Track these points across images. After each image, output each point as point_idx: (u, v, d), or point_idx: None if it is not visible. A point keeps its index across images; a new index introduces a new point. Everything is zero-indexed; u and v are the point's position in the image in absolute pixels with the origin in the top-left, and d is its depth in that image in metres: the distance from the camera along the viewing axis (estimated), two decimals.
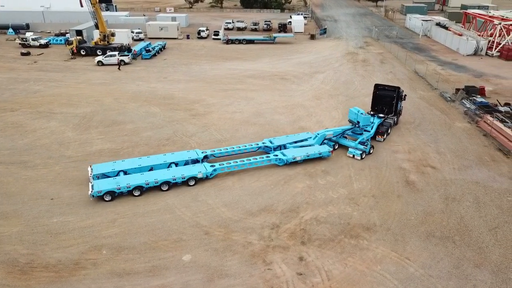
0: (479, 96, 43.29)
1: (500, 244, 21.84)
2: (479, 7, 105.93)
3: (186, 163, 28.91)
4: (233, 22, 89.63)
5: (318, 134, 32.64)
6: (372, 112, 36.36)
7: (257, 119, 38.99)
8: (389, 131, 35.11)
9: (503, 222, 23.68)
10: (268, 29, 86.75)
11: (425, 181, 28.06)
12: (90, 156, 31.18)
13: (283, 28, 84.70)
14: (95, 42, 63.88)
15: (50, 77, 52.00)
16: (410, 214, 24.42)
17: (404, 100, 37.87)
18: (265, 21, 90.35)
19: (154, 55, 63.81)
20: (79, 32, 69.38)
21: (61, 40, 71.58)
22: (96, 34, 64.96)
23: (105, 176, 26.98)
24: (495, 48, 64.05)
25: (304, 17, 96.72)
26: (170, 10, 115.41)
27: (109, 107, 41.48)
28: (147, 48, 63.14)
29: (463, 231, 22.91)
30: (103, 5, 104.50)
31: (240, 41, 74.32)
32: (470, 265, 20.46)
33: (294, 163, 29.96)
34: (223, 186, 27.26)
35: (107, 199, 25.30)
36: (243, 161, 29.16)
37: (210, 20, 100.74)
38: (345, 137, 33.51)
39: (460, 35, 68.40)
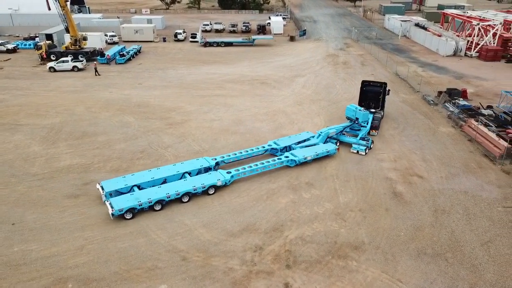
0: (462, 99, 42.75)
1: (494, 261, 20.82)
2: (455, 7, 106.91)
3: (199, 172, 27.89)
4: (211, 24, 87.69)
5: (321, 133, 33.09)
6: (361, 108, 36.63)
7: (237, 127, 37.34)
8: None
9: (495, 235, 22.72)
10: (247, 31, 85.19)
11: (412, 192, 26.96)
12: (57, 173, 28.94)
13: (262, 29, 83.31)
14: (65, 47, 60.95)
15: (17, 85, 49.09)
16: (400, 229, 23.22)
17: (388, 95, 38.66)
18: (243, 23, 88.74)
19: (129, 59, 61.40)
20: (49, 36, 66.25)
21: (30, 45, 68.35)
22: (68, 38, 62.08)
23: (118, 192, 25.22)
24: (474, 49, 64.10)
25: (283, 18, 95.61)
26: (146, 11, 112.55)
27: (80, 117, 39.11)
28: (121, 52, 60.73)
29: (455, 247, 21.82)
30: (76, 7, 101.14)
31: (218, 44, 72.48)
32: (465, 286, 19.33)
33: (300, 164, 29.76)
34: (201, 203, 25.51)
35: (128, 217, 23.72)
36: (257, 165, 28.48)
37: (188, 22, 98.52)
38: (343, 134, 34.22)
39: (439, 35, 68.30)
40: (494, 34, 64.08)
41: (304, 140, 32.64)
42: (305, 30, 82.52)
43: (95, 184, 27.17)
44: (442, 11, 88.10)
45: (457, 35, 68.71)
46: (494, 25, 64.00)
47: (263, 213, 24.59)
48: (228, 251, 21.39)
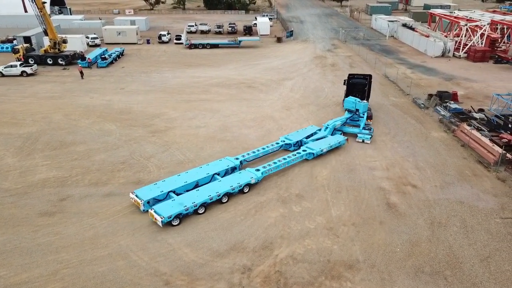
0: (453, 102, 41.97)
1: (495, 278, 19.79)
2: (441, 7, 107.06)
3: (226, 172, 28.06)
4: (196, 25, 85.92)
5: (328, 125, 34.62)
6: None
7: (224, 134, 35.88)
8: None
9: (494, 250, 21.72)
10: (233, 32, 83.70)
11: (407, 203, 25.86)
12: (31, 188, 27.13)
13: (249, 30, 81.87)
14: (44, 50, 58.63)
15: None
16: (395, 245, 22.07)
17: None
18: (229, 24, 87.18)
19: (111, 62, 59.40)
20: (27, 39, 63.87)
21: (7, 48, 65.73)
22: (47, 41, 59.76)
23: (155, 200, 24.53)
24: (462, 49, 63.68)
25: (270, 19, 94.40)
26: (129, 12, 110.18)
27: (58, 126, 37.20)
28: (103, 56, 58.63)
29: (454, 263, 20.74)
30: (56, 8, 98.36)
31: (204, 46, 70.78)
32: None
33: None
34: (185, 219, 23.99)
35: (175, 224, 23.21)
36: (280, 160, 29.15)
37: (172, 23, 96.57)
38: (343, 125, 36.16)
39: (427, 36, 67.75)
40: (482, 35, 63.74)
41: (312, 134, 33.85)
42: (292, 31, 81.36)
43: (72, 199, 25.55)
44: (429, 11, 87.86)
45: (445, 36, 68.25)
46: (482, 25, 63.65)
47: (251, 230, 23.20)
48: (214, 273, 19.95)
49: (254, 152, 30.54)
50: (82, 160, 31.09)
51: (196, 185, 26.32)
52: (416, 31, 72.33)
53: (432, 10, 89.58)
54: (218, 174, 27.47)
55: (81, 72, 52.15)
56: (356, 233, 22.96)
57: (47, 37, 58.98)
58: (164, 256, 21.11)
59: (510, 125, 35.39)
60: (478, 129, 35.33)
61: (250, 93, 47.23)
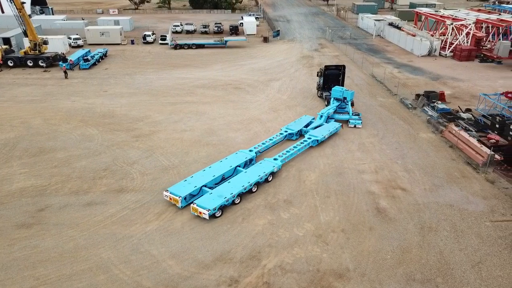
0: (440, 102, 41.80)
1: (486, 285, 19.41)
2: (426, 5, 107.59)
3: (245, 164, 29.18)
4: (181, 25, 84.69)
5: (322, 114, 37.11)
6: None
7: (210, 138, 35.06)
8: None
9: (485, 254, 21.37)
10: (219, 32, 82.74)
11: (396, 207, 25.42)
12: (8, 198, 25.96)
13: (235, 30, 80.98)
14: (24, 52, 56.92)
15: None
16: (386, 251, 21.57)
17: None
18: (215, 23, 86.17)
19: (94, 64, 58.00)
20: (6, 40, 61.94)
21: None
22: (27, 43, 58.06)
23: (191, 195, 25.28)
24: (448, 48, 63.82)
25: (256, 18, 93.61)
26: (113, 12, 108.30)
27: (37, 131, 35.94)
28: (86, 57, 57.17)
29: (445, 270, 20.32)
30: (37, 8, 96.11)
31: (189, 46, 69.70)
32: None
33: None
34: (170, 229, 23.18)
35: (218, 215, 24.10)
36: (292, 149, 31.05)
37: (157, 23, 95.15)
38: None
39: (414, 35, 67.76)
40: (468, 34, 63.95)
41: (309, 123, 36.23)
42: (278, 30, 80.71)
43: (51, 209, 24.57)
44: (415, 10, 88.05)
45: (431, 35, 68.32)
46: (468, 24, 63.86)
47: (238, 238, 22.48)
48: (200, 287, 19.18)
49: (264, 143, 32.16)
50: (62, 167, 29.97)
51: (223, 178, 27.36)
52: (403, 30, 72.36)
53: (417, 9, 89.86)
54: (239, 166, 28.62)
55: (65, 72, 50.74)
56: (345, 240, 22.40)
57: (27, 38, 57.30)
58: (148, 269, 20.26)
59: (497, 125, 35.34)
60: (466, 130, 35.16)
61: (237, 94, 46.46)
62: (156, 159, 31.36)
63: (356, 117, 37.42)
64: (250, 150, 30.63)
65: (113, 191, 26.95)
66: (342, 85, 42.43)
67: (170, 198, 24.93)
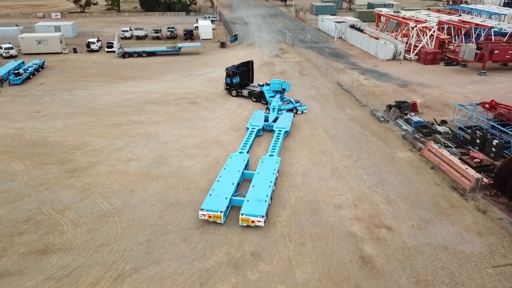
0: (413, 114, 38.71)
1: None
2: (384, 5, 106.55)
3: (246, 165, 29.12)
4: (131, 30, 78.16)
5: (274, 107, 38.98)
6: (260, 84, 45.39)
7: (160, 169, 29.89)
8: None
9: None
10: (173, 37, 77.02)
11: (384, 253, 21.47)
12: None
13: (190, 35, 75.60)
14: None
15: None
16: None
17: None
18: (168, 27, 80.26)
19: (28, 78, 50.86)
20: None
21: None
22: None
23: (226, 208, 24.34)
24: (413, 52, 61.64)
25: (212, 21, 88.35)
26: (56, 16, 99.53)
27: None
28: (17, 70, 49.96)
29: None
30: None
31: (139, 54, 63.54)
32: None
33: None
34: None
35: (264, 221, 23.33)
36: (276, 142, 32.61)
37: (105, 27, 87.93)
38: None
39: (377, 38, 65.18)
40: (431, 36, 62.07)
41: (266, 118, 37.17)
42: (236, 34, 75.94)
43: None
44: (375, 10, 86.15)
45: (394, 37, 66.01)
46: (431, 26, 61.95)
47: None
48: None
49: (246, 143, 32.41)
50: None
51: (238, 185, 27.13)
52: (365, 33, 69.74)
53: (376, 9, 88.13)
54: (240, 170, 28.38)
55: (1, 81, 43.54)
56: None
57: None
58: None
59: (477, 141, 32.51)
60: (445, 146, 32.06)
61: (193, 111, 41.37)
62: (93, 201, 25.82)
63: (299, 103, 40.66)
64: (241, 152, 30.70)
65: (35, 252, 21.29)
66: (252, 79, 46.86)
67: (210, 216, 23.33)
